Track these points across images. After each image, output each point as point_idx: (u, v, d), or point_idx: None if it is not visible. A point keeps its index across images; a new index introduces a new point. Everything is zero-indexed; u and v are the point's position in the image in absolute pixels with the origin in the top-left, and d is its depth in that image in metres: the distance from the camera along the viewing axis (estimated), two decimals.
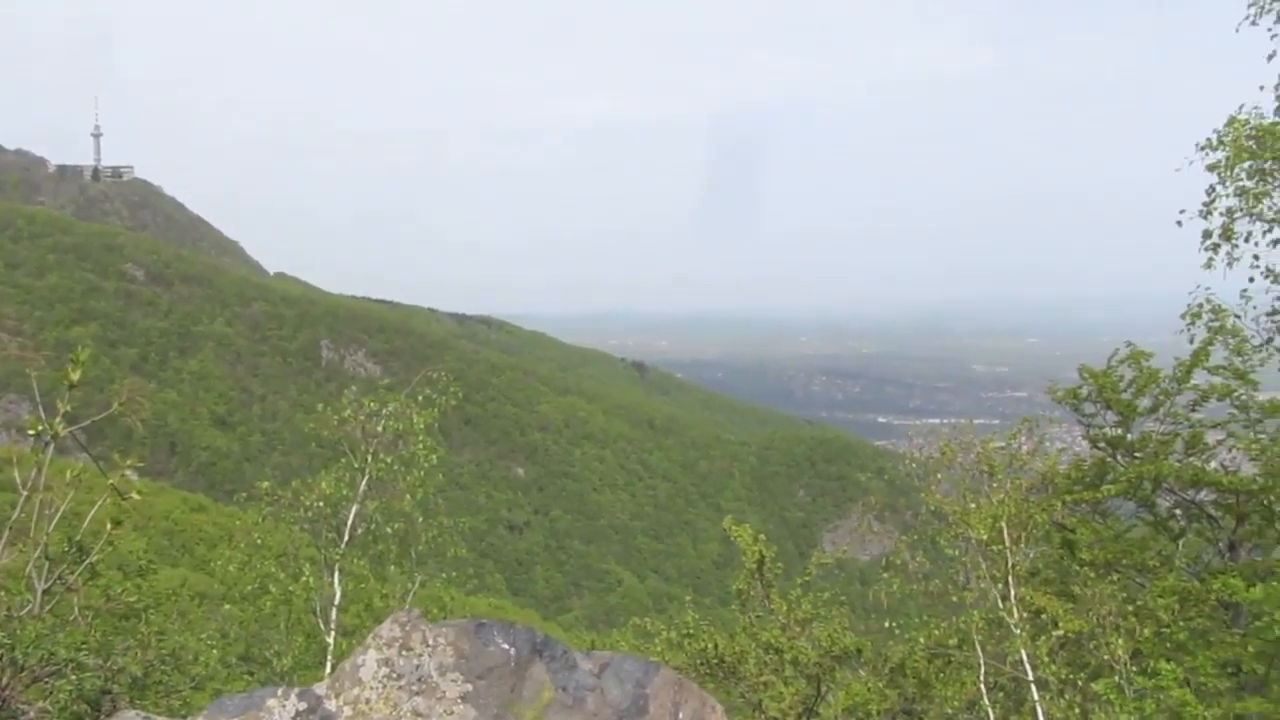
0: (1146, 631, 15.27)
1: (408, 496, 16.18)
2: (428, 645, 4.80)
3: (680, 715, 4.61)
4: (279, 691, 4.72)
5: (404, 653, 4.78)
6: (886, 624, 16.74)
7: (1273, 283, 13.95)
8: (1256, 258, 13.58)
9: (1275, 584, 14.95)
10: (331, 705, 4.66)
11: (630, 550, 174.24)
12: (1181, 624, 16.65)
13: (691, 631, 19.43)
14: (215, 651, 13.33)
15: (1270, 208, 13.57)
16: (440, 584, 17.73)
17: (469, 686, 4.68)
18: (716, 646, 18.69)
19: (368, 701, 4.64)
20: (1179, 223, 13.64)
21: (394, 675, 4.77)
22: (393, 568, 16.68)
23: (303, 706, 4.69)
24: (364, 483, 16.04)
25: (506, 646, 4.69)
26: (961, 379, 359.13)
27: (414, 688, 4.72)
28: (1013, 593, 14.08)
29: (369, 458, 16.05)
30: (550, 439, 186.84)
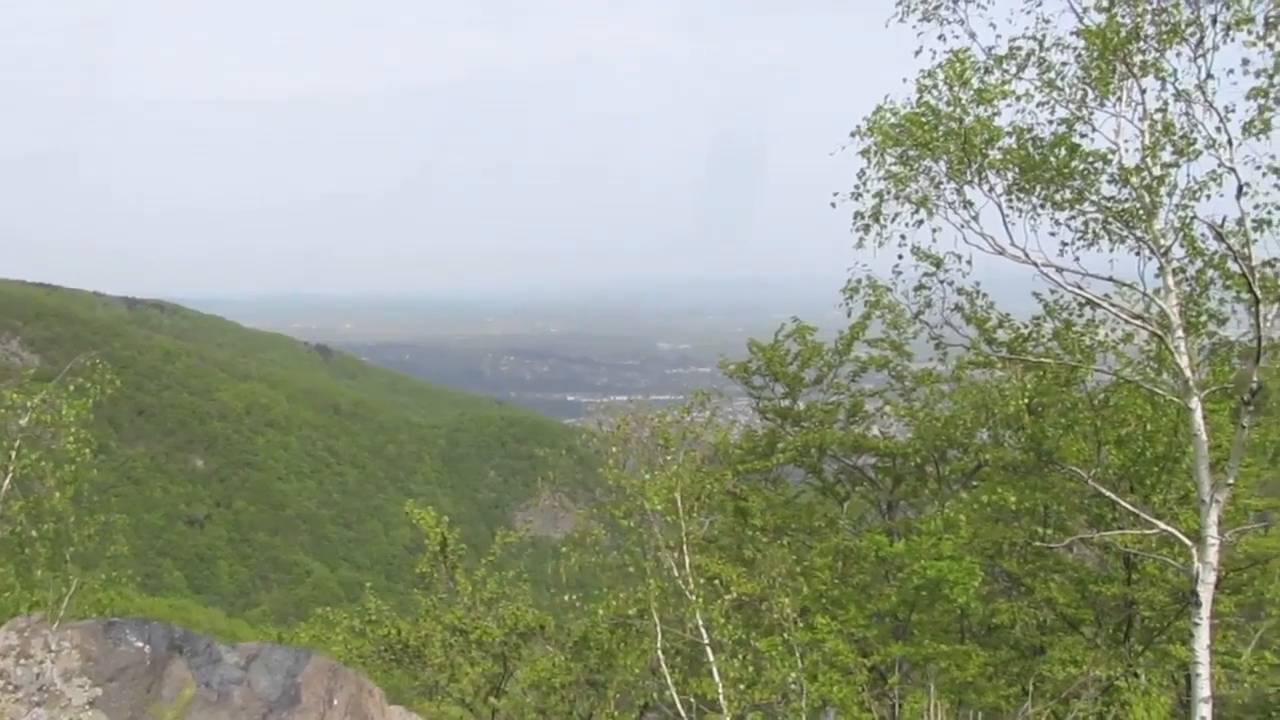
0: (805, 590, 16.16)
1: (57, 494, 15.02)
2: (50, 651, 4.43)
3: (335, 701, 4.47)
4: None
5: (22, 661, 4.38)
6: (567, 598, 17.00)
7: (919, 260, 14.92)
8: (904, 237, 14.51)
9: (915, 539, 16.11)
10: None
11: (319, 539, 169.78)
12: (840, 581, 17.74)
13: (374, 618, 19.14)
14: None
15: (916, 190, 14.52)
16: (98, 585, 16.62)
17: (98, 690, 4.35)
18: (400, 632, 18.48)
19: None
20: (833, 205, 14.44)
21: (10, 687, 4.36)
22: (41, 572, 15.47)
23: None
24: (6, 482, 14.79)
25: (141, 645, 4.39)
26: (647, 356, 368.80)
27: (34, 698, 4.33)
28: (688, 561, 14.56)
29: (12, 455, 14.79)
30: (231, 427, 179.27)
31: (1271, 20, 12.65)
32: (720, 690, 14.27)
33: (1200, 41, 13.04)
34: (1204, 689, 13.28)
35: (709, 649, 14.45)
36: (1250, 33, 12.75)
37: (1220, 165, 13.09)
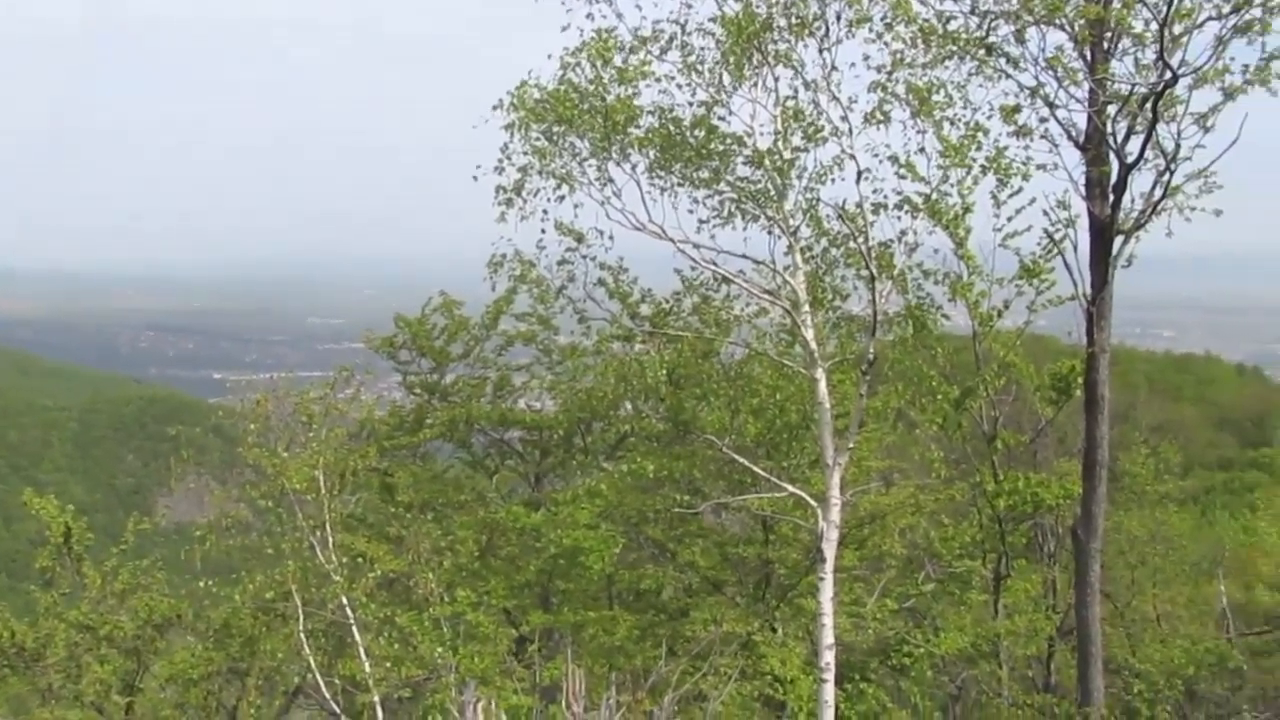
0: (446, 564, 16.18)
1: None
2: None
3: None
4: None
5: None
6: (203, 584, 16.29)
7: (562, 235, 15.08)
8: (546, 212, 14.63)
9: (552, 510, 16.41)
10: None
11: None
12: (487, 554, 17.85)
13: None
14: None
15: (561, 166, 14.66)
16: None
17: None
18: (14, 634, 17.00)
19: None
20: (475, 178, 14.41)
21: None
22: None
23: None
24: None
25: None
26: (297, 332, 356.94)
27: None
28: (331, 540, 14.26)
29: None
30: None
31: (888, 21, 13.59)
32: (368, 669, 14.09)
33: (826, 35, 13.80)
34: (828, 637, 14.18)
35: (354, 628, 14.23)
36: (871, 30, 13.64)
37: (843, 152, 13.96)
